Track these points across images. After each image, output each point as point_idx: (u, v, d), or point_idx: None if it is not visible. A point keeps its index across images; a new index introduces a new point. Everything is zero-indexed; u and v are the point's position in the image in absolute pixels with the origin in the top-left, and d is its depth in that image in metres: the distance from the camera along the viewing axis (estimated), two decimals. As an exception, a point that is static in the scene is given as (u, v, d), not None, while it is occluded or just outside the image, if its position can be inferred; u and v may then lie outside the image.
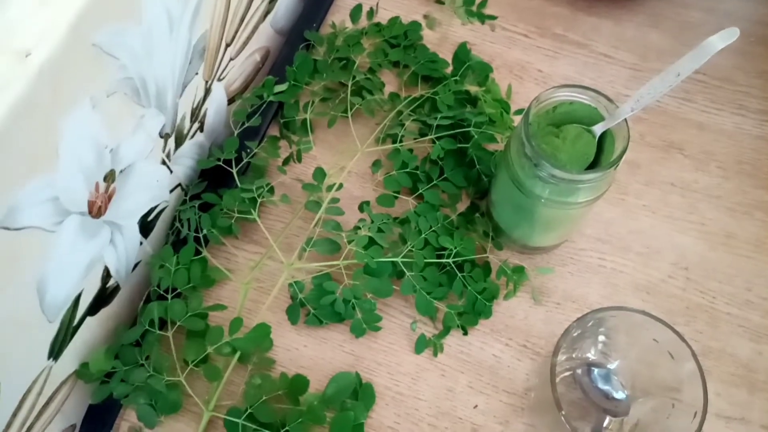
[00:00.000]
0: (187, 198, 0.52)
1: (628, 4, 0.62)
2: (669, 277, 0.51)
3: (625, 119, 0.41)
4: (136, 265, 0.49)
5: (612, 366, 0.46)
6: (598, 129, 0.42)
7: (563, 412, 0.39)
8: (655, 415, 0.44)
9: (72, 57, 0.34)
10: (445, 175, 0.52)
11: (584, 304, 0.50)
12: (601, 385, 0.46)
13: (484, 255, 0.50)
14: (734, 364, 0.49)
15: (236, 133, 0.53)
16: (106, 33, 0.37)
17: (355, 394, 0.47)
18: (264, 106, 0.55)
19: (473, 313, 0.49)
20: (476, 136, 0.51)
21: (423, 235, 0.48)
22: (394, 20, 0.59)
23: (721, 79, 0.58)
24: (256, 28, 0.56)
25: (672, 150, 0.56)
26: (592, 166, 0.43)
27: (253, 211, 0.50)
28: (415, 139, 0.53)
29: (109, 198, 0.43)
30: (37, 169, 0.35)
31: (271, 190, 0.51)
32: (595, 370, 0.46)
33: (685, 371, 0.41)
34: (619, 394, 0.46)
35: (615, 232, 0.53)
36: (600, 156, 0.42)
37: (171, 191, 0.51)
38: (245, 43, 0.55)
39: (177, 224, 0.51)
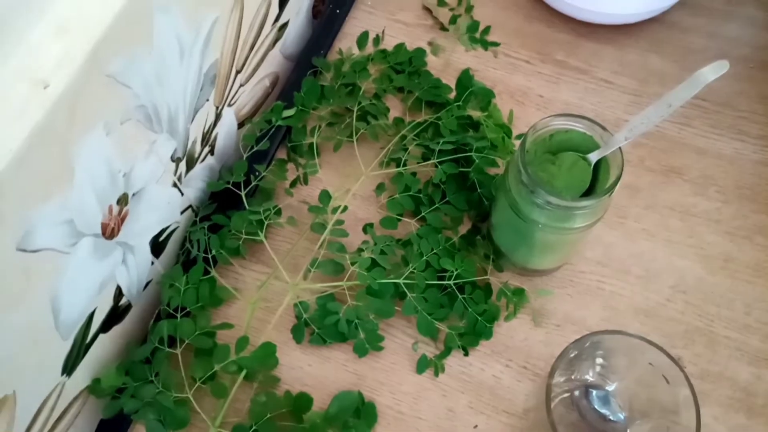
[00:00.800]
0: (198, 219, 0.53)
1: (629, 29, 0.63)
2: (668, 301, 0.52)
3: (620, 147, 0.42)
4: (147, 285, 0.51)
5: (610, 388, 0.47)
6: (593, 157, 0.43)
7: (558, 434, 0.40)
8: (652, 437, 0.44)
9: (87, 86, 0.36)
10: (447, 199, 0.53)
11: (584, 326, 0.51)
12: (599, 407, 0.47)
13: (485, 277, 0.51)
14: (733, 388, 0.49)
15: (245, 156, 0.55)
16: (120, 63, 0.38)
17: (358, 412, 0.48)
18: (272, 130, 0.56)
19: (474, 334, 0.50)
20: (478, 161, 0.52)
21: (425, 257, 0.50)
22: (400, 47, 0.61)
23: (721, 105, 0.59)
24: (265, 54, 0.58)
25: (672, 174, 0.57)
26: (589, 192, 0.44)
27: (260, 233, 0.51)
28: (418, 163, 0.54)
29: (122, 220, 0.44)
30: (53, 193, 0.37)
31: (278, 212, 0.53)
32: (594, 392, 0.47)
33: (680, 395, 0.41)
34: (617, 416, 0.46)
35: (614, 256, 0.53)
36: (596, 183, 0.44)
37: (182, 213, 0.53)
38: (255, 70, 0.57)
39: (187, 245, 0.53)
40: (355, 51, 0.62)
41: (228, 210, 0.53)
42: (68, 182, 0.38)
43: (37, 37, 0.35)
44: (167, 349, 0.48)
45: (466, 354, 0.50)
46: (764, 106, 0.59)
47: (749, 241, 0.54)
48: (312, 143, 0.56)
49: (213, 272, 0.51)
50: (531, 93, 0.60)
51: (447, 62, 0.62)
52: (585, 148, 0.44)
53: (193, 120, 0.49)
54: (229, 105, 0.55)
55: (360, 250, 0.50)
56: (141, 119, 0.43)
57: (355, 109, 0.56)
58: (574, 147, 0.44)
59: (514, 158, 0.43)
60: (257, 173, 0.54)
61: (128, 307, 0.49)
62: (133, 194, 0.45)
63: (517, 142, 0.55)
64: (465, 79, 0.59)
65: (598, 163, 0.43)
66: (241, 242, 0.51)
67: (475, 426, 0.48)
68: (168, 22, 0.42)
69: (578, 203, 0.42)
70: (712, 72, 0.38)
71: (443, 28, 0.64)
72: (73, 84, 0.35)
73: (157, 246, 0.51)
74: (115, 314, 0.48)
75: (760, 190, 0.56)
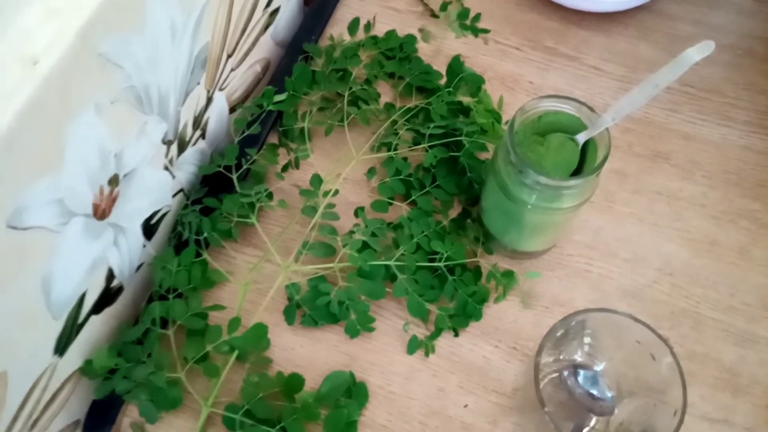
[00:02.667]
0: (189, 202, 0.54)
1: (618, 17, 0.64)
2: (654, 283, 0.53)
3: (607, 128, 0.42)
4: (139, 267, 0.51)
5: (598, 367, 0.48)
6: (581, 138, 0.44)
7: (546, 409, 0.40)
8: (640, 414, 0.45)
9: (78, 65, 0.36)
10: (437, 183, 0.53)
11: (572, 307, 0.52)
12: (588, 387, 0.47)
13: (475, 259, 0.52)
14: (718, 368, 0.50)
15: (237, 140, 0.55)
16: (112, 43, 0.38)
17: (349, 392, 0.48)
18: (264, 115, 0.57)
19: (464, 315, 0.50)
20: (468, 145, 0.53)
21: (415, 240, 0.50)
22: (391, 33, 0.61)
23: (708, 91, 0.60)
24: (256, 40, 0.58)
25: (659, 159, 0.57)
26: (577, 172, 0.44)
27: (252, 216, 0.51)
28: (409, 147, 0.55)
29: (113, 201, 0.45)
30: (43, 171, 0.37)
31: (270, 196, 0.53)
32: (582, 372, 0.48)
33: (667, 372, 0.42)
34: (605, 395, 0.47)
35: (602, 239, 0.54)
36: (583, 163, 0.44)
37: (173, 196, 0.53)
38: (246, 55, 0.57)
39: (179, 227, 0.53)
40: (347, 37, 0.62)
41: (219, 193, 0.53)
42: (59, 161, 0.38)
43: (29, 18, 0.35)
44: (159, 330, 0.48)
45: (456, 335, 0.51)
46: (750, 92, 0.60)
47: (734, 224, 0.55)
48: (303, 128, 0.56)
49: (205, 254, 0.51)
50: (521, 79, 0.61)
51: (438, 49, 0.62)
52: (573, 129, 0.44)
53: (184, 103, 0.49)
54: (221, 89, 0.55)
55: (351, 232, 0.51)
56: (132, 100, 0.43)
57: (346, 95, 0.57)
58: (562, 128, 0.44)
59: (504, 140, 0.43)
60: (248, 157, 0.54)
61: (120, 289, 0.50)
62: (125, 175, 0.45)
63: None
64: (455, 65, 0.59)
65: (586, 143, 0.44)
66: (232, 225, 0.52)
67: (465, 405, 0.49)
68: (160, 2, 0.42)
69: (566, 182, 0.42)
70: (698, 52, 0.39)
71: (434, 15, 0.64)
72: (63, 61, 0.35)
73: (148, 229, 0.51)
74: (107, 296, 0.48)
75: (746, 175, 0.57)
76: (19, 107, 0.33)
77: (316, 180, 0.53)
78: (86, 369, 0.47)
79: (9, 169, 0.34)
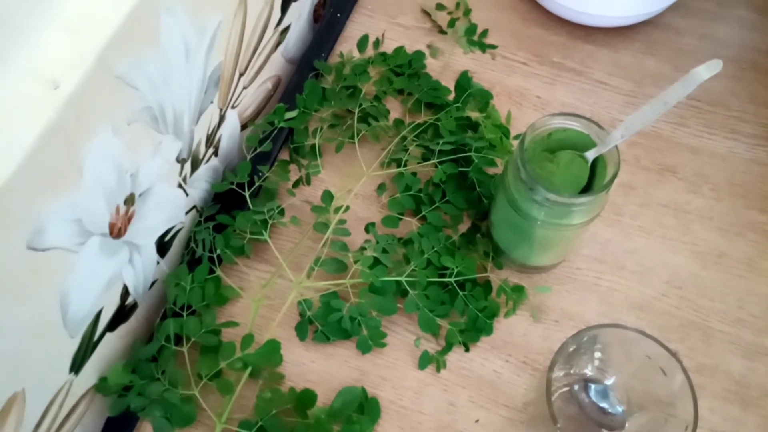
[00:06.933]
0: (202, 219, 0.54)
1: (624, 32, 0.64)
2: (663, 296, 0.53)
3: (616, 146, 0.43)
4: (153, 284, 0.52)
5: (608, 382, 0.48)
6: (590, 155, 0.44)
7: (558, 425, 0.41)
8: (650, 428, 0.45)
9: (97, 87, 0.37)
10: (447, 198, 0.54)
11: (581, 321, 0.52)
12: (598, 401, 0.48)
13: (485, 274, 0.52)
14: (727, 381, 0.50)
15: (249, 157, 0.56)
16: (128, 64, 0.39)
17: (361, 408, 0.48)
18: (275, 132, 0.57)
19: (474, 330, 0.51)
20: (477, 160, 0.53)
21: (426, 255, 0.51)
22: (399, 50, 0.62)
23: (714, 104, 0.61)
24: (268, 58, 0.59)
25: (666, 173, 0.58)
26: (586, 189, 0.45)
27: (264, 232, 0.52)
28: (418, 163, 0.55)
29: (129, 219, 0.45)
30: (62, 192, 0.37)
31: (282, 212, 0.54)
32: (592, 386, 0.48)
33: (677, 386, 0.42)
34: (615, 410, 0.47)
35: (610, 252, 0.55)
36: (593, 180, 0.45)
37: (187, 213, 0.54)
38: (258, 73, 0.58)
39: (192, 244, 0.53)
40: (356, 54, 0.63)
41: (232, 210, 0.54)
42: (77, 182, 0.38)
43: (48, 38, 0.36)
44: (173, 347, 0.48)
45: (467, 350, 0.51)
46: (756, 105, 0.61)
47: (741, 237, 0.55)
48: (314, 144, 0.57)
49: (218, 271, 0.52)
50: (528, 94, 0.61)
51: (446, 64, 0.63)
52: (582, 146, 0.45)
53: (197, 121, 0.50)
54: (233, 107, 0.56)
55: (362, 248, 0.51)
56: (147, 120, 0.44)
57: (356, 111, 0.57)
58: (572, 145, 0.45)
59: (514, 156, 0.44)
60: (260, 174, 0.55)
61: (134, 305, 0.50)
62: (140, 194, 0.45)
63: (515, 142, 0.57)
64: (464, 80, 0.60)
65: (595, 160, 0.44)
66: (245, 241, 0.52)
67: (476, 420, 0.49)
68: (174, 24, 0.43)
69: (576, 200, 0.43)
70: (707, 71, 0.39)
71: (442, 31, 0.65)
72: (82, 84, 0.36)
73: (162, 246, 0.51)
74: (122, 313, 0.49)
75: (752, 188, 0.57)
76: (39, 128, 0.34)
77: (328, 196, 0.54)
78: (101, 386, 0.47)
79: (30, 190, 0.35)
